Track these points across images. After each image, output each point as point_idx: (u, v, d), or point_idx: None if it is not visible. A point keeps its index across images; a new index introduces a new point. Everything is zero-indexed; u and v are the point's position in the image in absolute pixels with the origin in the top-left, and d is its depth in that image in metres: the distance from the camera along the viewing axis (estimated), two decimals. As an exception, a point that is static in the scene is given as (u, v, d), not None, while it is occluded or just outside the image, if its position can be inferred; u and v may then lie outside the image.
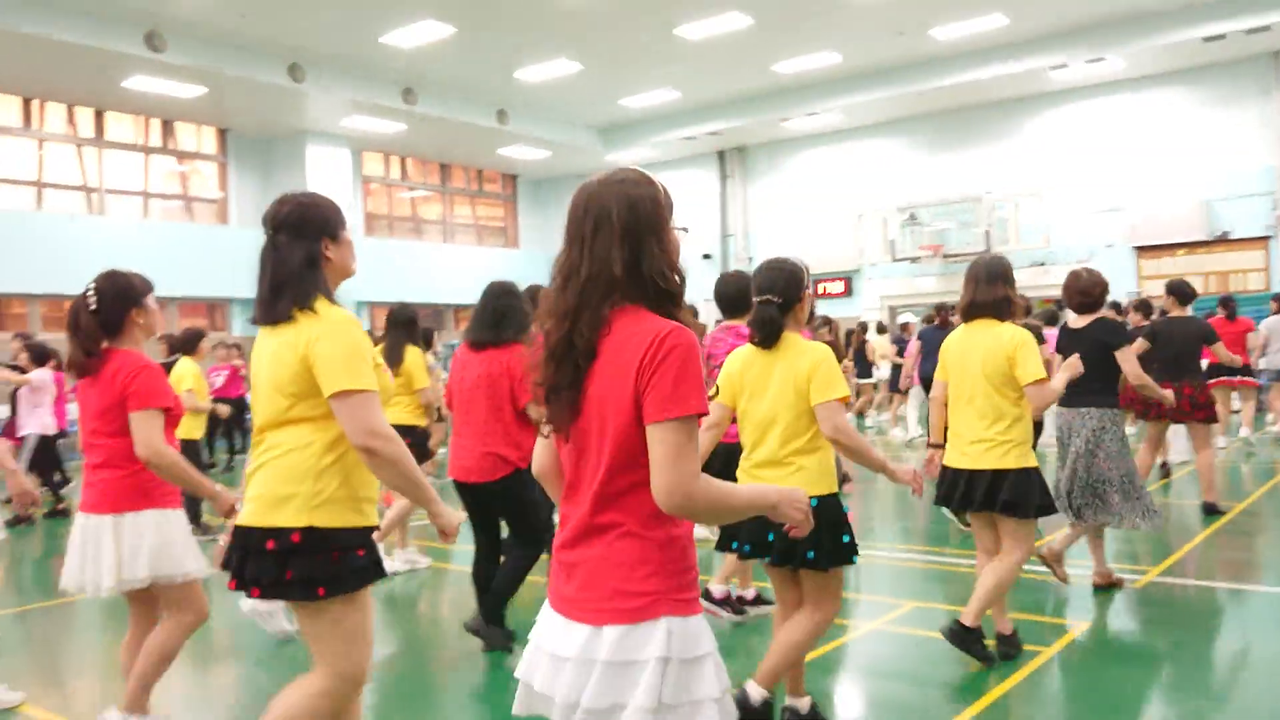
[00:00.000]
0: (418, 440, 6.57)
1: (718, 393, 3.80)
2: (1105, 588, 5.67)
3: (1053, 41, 16.68)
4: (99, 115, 17.29)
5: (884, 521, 8.25)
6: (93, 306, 3.64)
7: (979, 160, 19.36)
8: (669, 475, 1.88)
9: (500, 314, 4.84)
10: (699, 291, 8.89)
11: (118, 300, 3.69)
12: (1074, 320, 5.88)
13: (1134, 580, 5.86)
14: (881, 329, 16.34)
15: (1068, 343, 5.71)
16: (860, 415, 15.93)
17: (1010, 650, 4.55)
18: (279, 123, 18.34)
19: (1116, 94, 18.13)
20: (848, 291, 21.08)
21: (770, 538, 3.56)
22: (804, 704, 3.72)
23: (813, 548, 3.49)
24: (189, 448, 7.59)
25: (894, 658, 4.83)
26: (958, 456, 4.55)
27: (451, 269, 21.49)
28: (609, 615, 1.94)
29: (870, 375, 15.53)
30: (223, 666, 5.07)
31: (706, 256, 22.31)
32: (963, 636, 4.41)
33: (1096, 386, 5.51)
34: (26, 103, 16.52)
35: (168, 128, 18.28)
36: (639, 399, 1.93)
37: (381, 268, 18.86)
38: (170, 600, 3.73)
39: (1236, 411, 12.17)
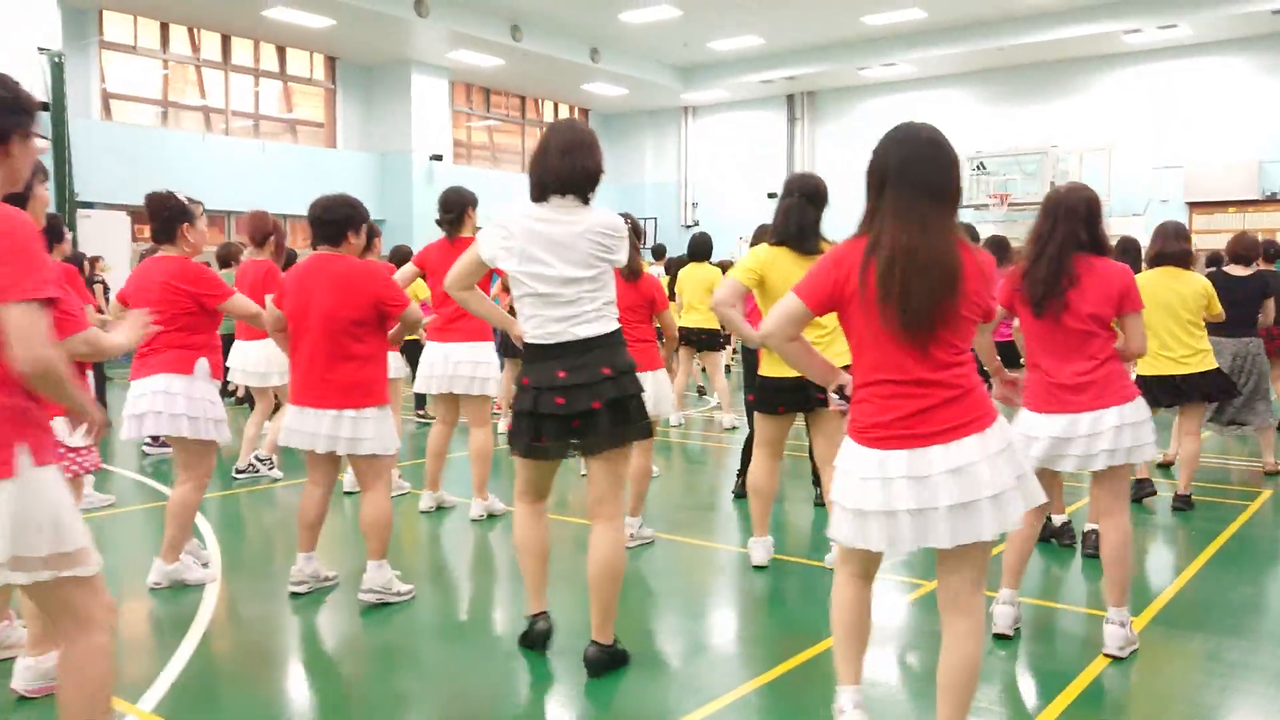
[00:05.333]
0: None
1: None
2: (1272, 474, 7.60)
3: (1128, 6, 17.79)
4: (225, 40, 18.23)
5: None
6: None
7: (1047, 114, 20.52)
8: (1140, 338, 3.86)
9: None
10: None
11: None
12: (1233, 269, 7.37)
13: None
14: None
15: (1229, 287, 7.09)
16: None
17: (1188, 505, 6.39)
18: (386, 52, 19.29)
19: (1182, 58, 19.25)
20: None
21: None
22: None
23: None
24: None
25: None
26: (1171, 365, 6.09)
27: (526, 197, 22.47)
28: (1119, 400, 3.77)
29: None
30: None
31: (771, 195, 23.46)
32: (1185, 502, 6.38)
33: (1251, 322, 7.15)
34: (164, 27, 17.45)
35: (281, 54, 19.22)
36: (1119, 304, 3.73)
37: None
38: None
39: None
